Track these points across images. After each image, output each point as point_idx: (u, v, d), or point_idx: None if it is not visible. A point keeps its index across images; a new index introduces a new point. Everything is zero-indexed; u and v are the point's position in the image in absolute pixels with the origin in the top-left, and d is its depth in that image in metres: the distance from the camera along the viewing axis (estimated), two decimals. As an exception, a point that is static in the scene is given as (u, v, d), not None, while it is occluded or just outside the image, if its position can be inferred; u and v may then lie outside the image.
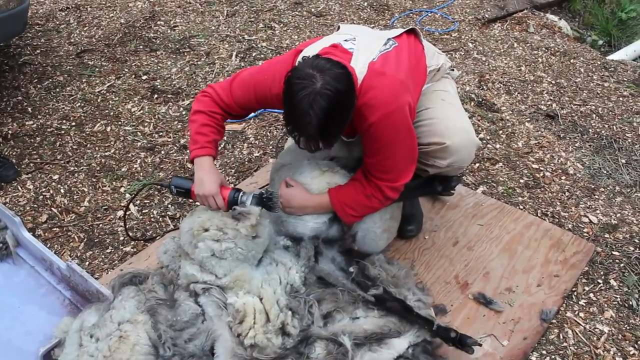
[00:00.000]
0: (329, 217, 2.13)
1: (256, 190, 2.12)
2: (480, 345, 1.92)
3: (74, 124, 3.32)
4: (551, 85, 3.86)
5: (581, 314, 2.25)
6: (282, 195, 2.12)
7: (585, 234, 2.63)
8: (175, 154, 3.09)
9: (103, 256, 2.50)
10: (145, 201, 2.78)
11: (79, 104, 3.50)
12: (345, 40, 2.00)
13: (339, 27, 2.21)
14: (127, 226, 2.39)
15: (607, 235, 2.63)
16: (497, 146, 3.22)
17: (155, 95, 3.58)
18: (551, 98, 3.72)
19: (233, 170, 2.97)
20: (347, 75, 1.74)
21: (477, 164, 3.06)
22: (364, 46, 1.95)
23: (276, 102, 2.00)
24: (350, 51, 1.93)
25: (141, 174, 2.96)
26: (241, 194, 2.07)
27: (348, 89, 1.73)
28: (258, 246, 2.03)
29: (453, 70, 2.33)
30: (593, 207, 2.80)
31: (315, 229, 2.14)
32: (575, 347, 2.13)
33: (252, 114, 3.40)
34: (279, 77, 1.95)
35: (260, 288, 1.95)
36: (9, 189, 2.84)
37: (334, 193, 2.07)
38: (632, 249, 2.55)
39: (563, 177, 3.01)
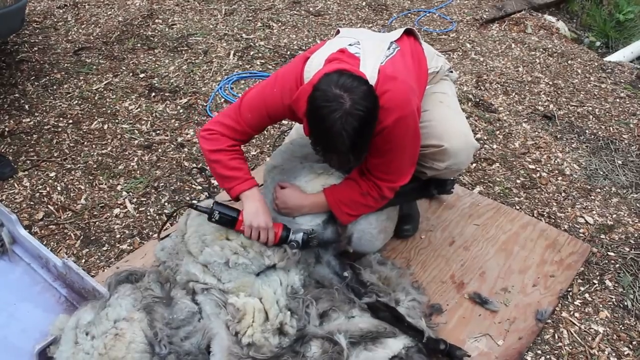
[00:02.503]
0: (323, 219, 2.12)
1: (301, 229, 2.09)
2: (469, 356, 1.96)
3: (71, 121, 3.32)
4: (548, 86, 3.87)
5: (576, 314, 2.26)
6: (278, 197, 2.12)
7: (581, 235, 2.64)
8: (172, 152, 3.09)
9: (99, 254, 2.49)
10: (142, 199, 2.78)
11: (76, 101, 3.49)
12: (350, 45, 1.99)
13: (338, 31, 2.19)
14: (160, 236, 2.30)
15: (602, 236, 2.63)
16: (494, 146, 3.23)
17: (153, 94, 3.58)
18: (548, 99, 3.73)
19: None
20: (372, 91, 1.75)
21: (474, 164, 3.07)
22: (369, 50, 1.95)
23: (288, 113, 2.00)
24: (357, 56, 1.93)
25: (138, 172, 2.96)
26: (291, 232, 2.03)
27: (375, 104, 1.75)
28: (265, 266, 2.05)
29: (452, 72, 2.33)
30: (589, 207, 2.81)
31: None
32: (570, 347, 2.14)
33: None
34: (288, 87, 1.96)
35: (260, 289, 1.96)
36: (6, 186, 2.83)
37: (330, 192, 2.07)
38: (627, 249, 2.56)
39: (559, 178, 3.02)
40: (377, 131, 1.86)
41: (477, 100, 3.65)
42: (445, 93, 2.21)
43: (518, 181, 2.98)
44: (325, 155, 1.86)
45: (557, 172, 3.06)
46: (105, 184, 2.88)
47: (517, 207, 2.78)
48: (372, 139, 1.88)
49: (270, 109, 2.00)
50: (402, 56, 1.98)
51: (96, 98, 3.53)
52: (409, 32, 2.14)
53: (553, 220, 2.72)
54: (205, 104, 3.49)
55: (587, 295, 2.34)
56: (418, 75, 2.03)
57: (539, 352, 2.11)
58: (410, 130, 1.90)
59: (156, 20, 4.44)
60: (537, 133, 3.37)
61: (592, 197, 2.89)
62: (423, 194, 2.44)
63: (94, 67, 3.84)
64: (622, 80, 3.99)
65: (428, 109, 2.12)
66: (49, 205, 2.74)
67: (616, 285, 2.39)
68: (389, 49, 1.98)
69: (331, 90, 1.69)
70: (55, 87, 3.62)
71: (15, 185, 2.85)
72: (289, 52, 4.07)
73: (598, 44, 5.14)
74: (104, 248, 2.52)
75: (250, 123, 2.02)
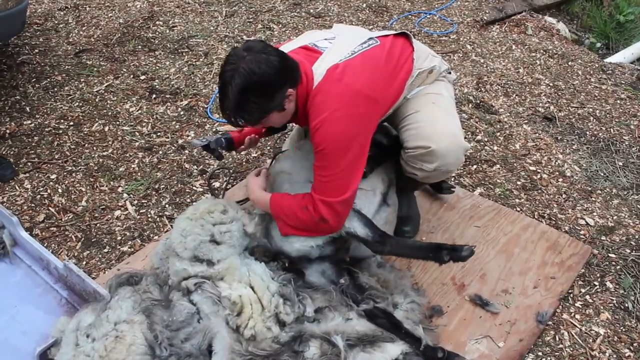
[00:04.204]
0: (318, 243, 2.10)
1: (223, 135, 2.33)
2: None
3: (72, 123, 3.32)
4: (549, 87, 3.87)
5: (577, 316, 2.26)
6: (248, 184, 2.24)
7: (581, 236, 2.64)
8: (173, 154, 3.09)
9: (100, 256, 2.50)
10: (143, 201, 2.78)
11: (77, 103, 3.50)
12: (325, 39, 2.02)
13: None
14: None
15: (603, 238, 2.63)
16: (495, 148, 3.23)
17: (154, 96, 3.58)
18: (549, 100, 3.73)
19: (231, 171, 2.97)
20: (271, 62, 1.79)
21: (475, 166, 3.07)
22: (338, 46, 1.97)
23: None
24: (322, 51, 1.96)
25: (139, 174, 2.96)
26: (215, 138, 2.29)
27: (267, 72, 1.78)
28: (246, 240, 2.13)
29: (450, 73, 2.31)
30: (590, 209, 2.81)
31: (301, 251, 2.12)
32: (571, 349, 2.13)
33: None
34: None
35: (248, 276, 1.98)
36: (7, 188, 2.84)
37: (275, 196, 2.09)
38: (628, 251, 2.56)
39: (560, 180, 3.01)
40: (310, 132, 1.90)
41: (478, 101, 3.65)
42: (439, 94, 2.18)
43: (519, 183, 2.97)
44: (221, 109, 1.92)
45: (557, 173, 3.06)
46: (106, 186, 2.88)
47: (518, 209, 2.78)
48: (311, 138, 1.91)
49: None
50: (374, 52, 1.98)
51: (97, 100, 3.53)
52: (402, 34, 2.15)
53: (554, 222, 2.72)
54: (206, 106, 3.49)
55: (587, 297, 2.34)
56: (392, 73, 2.03)
57: (540, 353, 2.11)
58: (342, 136, 1.86)
59: (157, 22, 4.44)
60: (537, 134, 3.37)
61: (593, 199, 2.88)
62: (433, 256, 2.06)
63: (95, 69, 3.84)
64: (622, 82, 3.99)
65: (419, 109, 2.10)
66: (49, 208, 2.74)
67: (617, 286, 2.39)
68: (363, 43, 1.99)
69: (239, 49, 1.82)
70: (56, 89, 3.62)
71: (16, 187, 2.85)
72: (289, 54, 4.07)
73: (598, 45, 5.14)
74: (105, 250, 2.53)
75: None
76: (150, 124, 3.34)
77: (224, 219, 2.06)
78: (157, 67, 3.88)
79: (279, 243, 2.14)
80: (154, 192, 2.84)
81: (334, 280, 2.13)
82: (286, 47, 2.06)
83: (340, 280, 2.11)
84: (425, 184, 2.52)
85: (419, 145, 2.05)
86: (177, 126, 3.33)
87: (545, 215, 2.76)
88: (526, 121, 3.50)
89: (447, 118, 2.13)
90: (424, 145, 2.04)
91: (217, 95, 1.92)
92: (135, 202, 2.78)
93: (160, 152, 3.11)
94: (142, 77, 3.76)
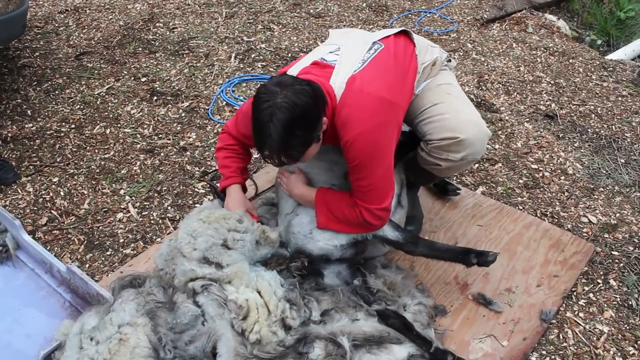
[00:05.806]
0: (342, 243, 2.11)
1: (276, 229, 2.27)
2: None
3: (73, 126, 3.32)
4: (550, 85, 3.87)
5: (581, 314, 2.26)
6: (285, 180, 2.23)
7: (584, 234, 2.64)
8: (174, 156, 3.09)
9: (103, 258, 2.50)
10: (145, 203, 2.78)
11: (78, 106, 3.50)
12: (330, 52, 2.02)
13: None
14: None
15: (606, 235, 2.63)
16: (497, 146, 3.23)
17: (155, 97, 3.58)
18: (550, 98, 3.72)
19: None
20: (307, 91, 1.77)
21: (477, 165, 3.06)
22: (347, 57, 1.97)
23: None
24: (332, 64, 1.96)
25: (141, 176, 2.96)
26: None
27: (307, 102, 1.76)
28: (258, 252, 2.10)
29: (450, 60, 2.31)
30: (592, 207, 2.81)
31: (324, 250, 2.13)
32: (575, 347, 2.13)
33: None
34: None
35: (256, 281, 1.97)
36: (9, 192, 2.84)
37: (321, 191, 2.11)
38: (631, 248, 2.55)
39: (562, 177, 3.01)
40: (342, 147, 1.90)
41: (479, 100, 3.65)
42: (450, 84, 2.20)
43: (521, 181, 2.97)
44: (259, 151, 1.88)
45: (559, 171, 3.05)
46: (108, 189, 2.88)
47: (520, 207, 2.78)
48: (344, 153, 1.91)
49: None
50: (381, 58, 1.99)
51: (98, 102, 3.54)
52: (401, 32, 2.15)
53: (556, 220, 2.71)
54: (207, 108, 3.49)
55: (591, 295, 2.34)
56: (402, 74, 2.03)
57: (544, 352, 2.11)
58: (375, 146, 1.88)
59: (157, 24, 4.45)
60: (539, 133, 3.37)
61: (595, 196, 2.88)
62: (461, 259, 2.15)
63: (96, 71, 3.85)
64: (623, 79, 3.99)
65: (437, 102, 2.11)
66: (52, 211, 2.74)
67: (620, 284, 2.39)
68: (369, 50, 1.99)
69: (269, 86, 1.79)
70: (57, 92, 3.62)
71: (19, 190, 2.86)
72: (290, 55, 4.07)
73: (599, 42, 5.14)
74: (108, 253, 2.53)
75: (242, 131, 2.17)
76: (151, 126, 3.34)
77: (239, 228, 2.05)
78: (157, 69, 3.88)
79: (301, 241, 2.15)
80: (156, 194, 2.84)
81: (347, 281, 2.14)
82: (296, 67, 2.04)
83: (354, 281, 2.12)
84: (442, 177, 2.51)
85: (446, 137, 2.05)
86: (178, 128, 3.33)
87: (548, 213, 2.76)
88: (527, 119, 3.50)
89: (467, 107, 2.14)
90: (451, 136, 2.04)
91: (255, 132, 1.86)
92: (138, 204, 2.78)
93: (162, 154, 3.11)
94: (143, 79, 3.77)
